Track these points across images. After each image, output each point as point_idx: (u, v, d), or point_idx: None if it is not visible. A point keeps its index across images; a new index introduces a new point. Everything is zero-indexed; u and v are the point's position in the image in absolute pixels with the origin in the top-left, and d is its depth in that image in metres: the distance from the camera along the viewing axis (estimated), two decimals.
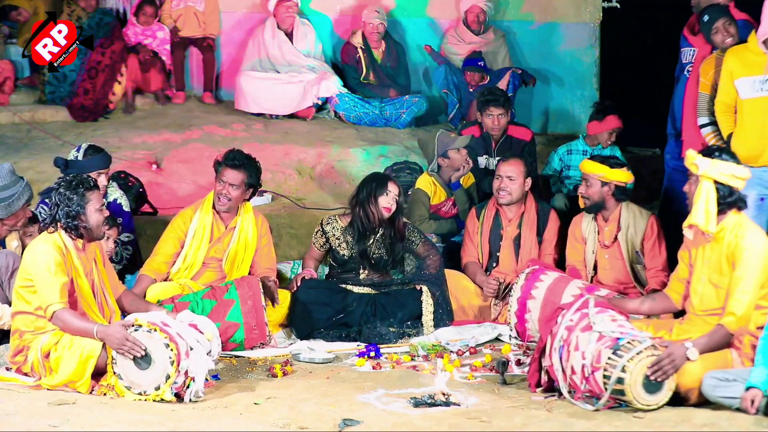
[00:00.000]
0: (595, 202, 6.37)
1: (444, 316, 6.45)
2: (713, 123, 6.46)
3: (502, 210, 6.84)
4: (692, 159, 5.08)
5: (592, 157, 6.57)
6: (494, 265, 6.83)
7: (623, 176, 6.34)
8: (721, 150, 5.13)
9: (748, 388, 4.59)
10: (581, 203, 6.53)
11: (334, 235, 6.65)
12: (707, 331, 4.95)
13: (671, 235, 6.25)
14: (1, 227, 5.89)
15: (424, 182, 7.36)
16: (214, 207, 6.52)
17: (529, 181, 6.80)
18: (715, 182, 5.00)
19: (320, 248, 6.72)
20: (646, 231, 6.35)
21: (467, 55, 9.49)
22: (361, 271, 6.63)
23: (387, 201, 6.57)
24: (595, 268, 6.47)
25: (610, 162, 6.39)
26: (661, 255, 6.33)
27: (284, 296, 6.44)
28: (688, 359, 4.75)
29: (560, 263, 6.69)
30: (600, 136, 7.72)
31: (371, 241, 6.60)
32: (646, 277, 6.35)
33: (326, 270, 6.92)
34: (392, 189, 6.60)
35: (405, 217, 6.86)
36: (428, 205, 7.28)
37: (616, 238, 6.39)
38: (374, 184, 6.63)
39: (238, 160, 6.44)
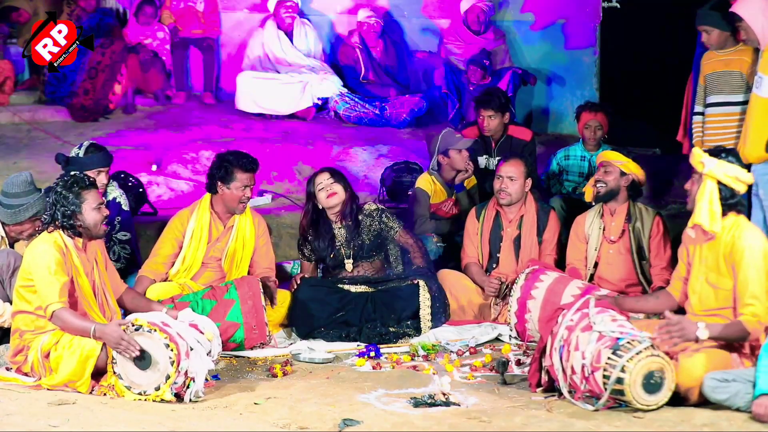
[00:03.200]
0: (611, 189, 6.38)
1: (441, 309, 6.44)
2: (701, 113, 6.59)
3: (503, 210, 6.83)
4: (698, 157, 5.07)
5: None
6: (494, 265, 6.82)
7: (639, 170, 6.41)
8: (728, 151, 5.13)
9: (758, 396, 4.55)
10: (588, 196, 6.51)
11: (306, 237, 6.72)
12: None
13: None
14: (9, 231, 5.92)
15: (424, 181, 7.35)
16: (212, 207, 6.52)
17: (529, 181, 6.79)
18: (719, 183, 5.01)
19: (309, 259, 6.75)
20: (652, 229, 6.39)
21: (468, 55, 9.49)
22: (346, 261, 6.63)
23: (322, 195, 6.61)
24: (596, 265, 6.47)
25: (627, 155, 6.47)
26: (666, 253, 6.36)
27: (284, 296, 6.45)
28: (697, 338, 4.75)
29: (560, 263, 6.68)
30: (585, 136, 7.73)
31: (332, 230, 6.63)
32: (651, 273, 6.36)
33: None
34: (320, 180, 6.63)
35: (405, 216, 6.86)
36: (428, 205, 7.27)
37: (623, 232, 6.40)
38: (307, 182, 6.75)
39: (255, 163, 6.50)
